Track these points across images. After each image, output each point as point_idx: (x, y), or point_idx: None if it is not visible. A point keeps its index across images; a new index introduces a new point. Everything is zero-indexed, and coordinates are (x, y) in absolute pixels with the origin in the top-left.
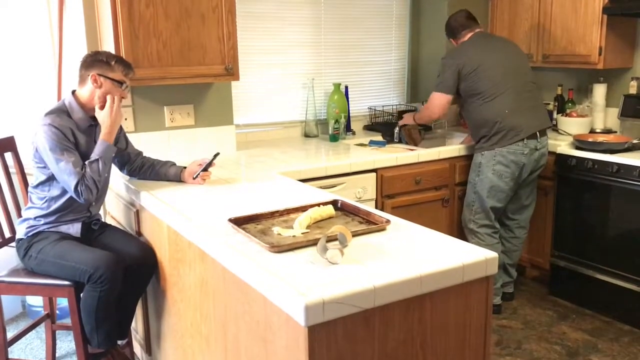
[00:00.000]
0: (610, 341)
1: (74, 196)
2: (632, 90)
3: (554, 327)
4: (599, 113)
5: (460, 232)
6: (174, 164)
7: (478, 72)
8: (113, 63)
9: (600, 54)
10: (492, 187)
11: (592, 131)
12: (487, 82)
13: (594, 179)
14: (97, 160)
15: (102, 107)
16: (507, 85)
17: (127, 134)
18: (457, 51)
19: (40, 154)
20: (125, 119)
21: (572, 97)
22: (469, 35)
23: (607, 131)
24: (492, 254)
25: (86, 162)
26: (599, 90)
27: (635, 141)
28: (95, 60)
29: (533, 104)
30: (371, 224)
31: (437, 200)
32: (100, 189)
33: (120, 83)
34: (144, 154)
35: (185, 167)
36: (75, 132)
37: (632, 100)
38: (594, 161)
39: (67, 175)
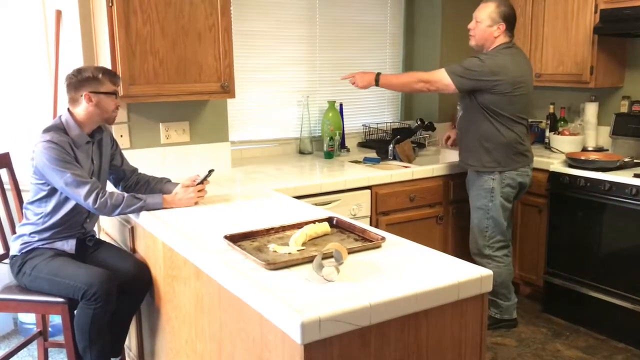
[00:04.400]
0: (604, 359)
1: (86, 206)
2: (623, 109)
3: (548, 344)
4: (590, 131)
5: (456, 249)
6: (169, 181)
7: (510, 94)
8: (100, 77)
9: (591, 73)
10: (503, 207)
11: (584, 149)
12: (517, 104)
13: (587, 197)
14: (139, 201)
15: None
16: (528, 106)
17: (123, 151)
18: (497, 63)
19: (41, 171)
20: (121, 136)
21: (564, 115)
22: (507, 40)
23: (599, 149)
24: (487, 272)
25: (130, 194)
26: (591, 109)
27: (626, 159)
28: (81, 80)
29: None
30: (367, 241)
31: (432, 218)
32: (110, 211)
33: (113, 94)
34: (139, 171)
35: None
36: (73, 148)
37: (623, 119)
38: (587, 179)
39: (74, 187)
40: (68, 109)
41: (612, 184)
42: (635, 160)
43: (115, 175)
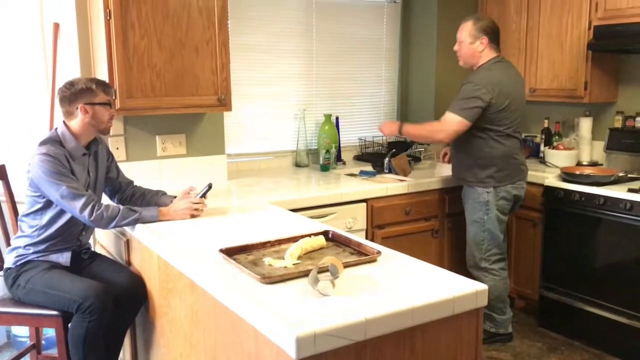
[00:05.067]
0: None
1: (81, 219)
2: (617, 124)
3: (543, 359)
4: (585, 146)
5: (452, 263)
6: (165, 194)
7: (505, 109)
8: (94, 88)
9: (585, 89)
10: (498, 220)
11: (579, 164)
12: (511, 118)
13: (582, 211)
14: (135, 214)
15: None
16: (520, 120)
17: (119, 163)
18: (490, 77)
19: (37, 183)
20: (118, 148)
21: (559, 130)
22: (495, 54)
23: (594, 164)
24: (482, 286)
25: (125, 206)
26: (585, 124)
27: (621, 174)
28: (75, 92)
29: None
30: (362, 255)
31: (427, 231)
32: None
33: (107, 104)
34: (135, 183)
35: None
36: (69, 160)
37: (618, 134)
38: (581, 193)
39: (70, 199)
40: (63, 121)
41: (607, 198)
42: (629, 175)
43: (111, 187)
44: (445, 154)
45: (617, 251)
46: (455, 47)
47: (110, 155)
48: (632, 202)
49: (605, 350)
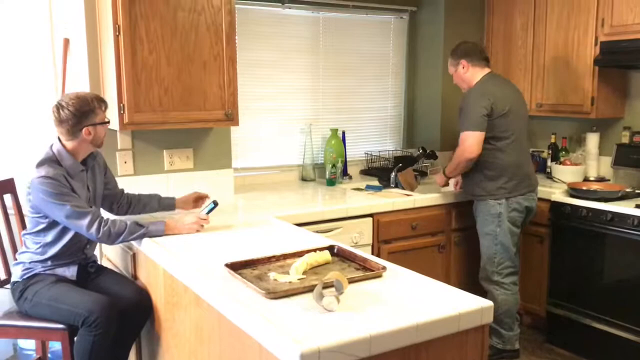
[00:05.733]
0: None
1: (88, 236)
2: (625, 140)
3: None
4: (592, 161)
5: (458, 278)
6: (160, 197)
7: (509, 114)
8: (95, 107)
9: (592, 104)
10: (511, 232)
11: (586, 179)
12: (513, 126)
13: (589, 227)
14: (142, 228)
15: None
16: (523, 131)
17: (127, 177)
18: (484, 89)
19: (39, 206)
20: (125, 162)
21: (566, 145)
22: (486, 70)
23: (601, 179)
24: (488, 303)
25: (132, 221)
26: (592, 139)
27: (628, 190)
28: (79, 116)
29: (529, 152)
30: (367, 271)
31: (434, 246)
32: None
33: (107, 122)
34: (125, 191)
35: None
36: (68, 179)
37: (625, 150)
38: (588, 209)
39: (75, 218)
40: (58, 138)
41: (614, 214)
42: (637, 191)
43: (110, 198)
44: (457, 182)
45: (624, 267)
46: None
47: (105, 166)
48: None
49: None
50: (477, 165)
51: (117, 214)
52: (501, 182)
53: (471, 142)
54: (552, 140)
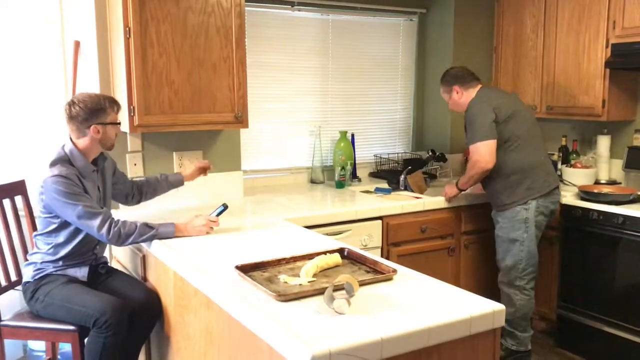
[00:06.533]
0: None
1: (99, 237)
2: (636, 143)
3: None
4: (603, 164)
5: (468, 281)
6: (167, 176)
7: (515, 116)
8: (107, 107)
9: (603, 107)
10: (536, 237)
11: (597, 182)
12: (523, 126)
13: (600, 230)
14: (152, 230)
15: None
16: (537, 132)
17: (137, 179)
18: (485, 97)
19: (52, 206)
20: (135, 164)
21: (577, 148)
22: (478, 87)
23: (612, 182)
24: (500, 306)
25: (142, 222)
26: (603, 142)
27: (639, 193)
28: (89, 112)
29: (546, 151)
30: (378, 273)
31: (443, 249)
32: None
33: (118, 124)
34: (130, 178)
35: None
36: (80, 179)
37: (637, 152)
38: (600, 212)
39: (87, 219)
40: (70, 138)
41: (626, 217)
42: None
43: (123, 192)
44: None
45: (636, 271)
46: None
47: (114, 165)
48: None
49: None
50: (498, 173)
51: (132, 204)
52: (527, 183)
53: (484, 151)
54: (563, 143)
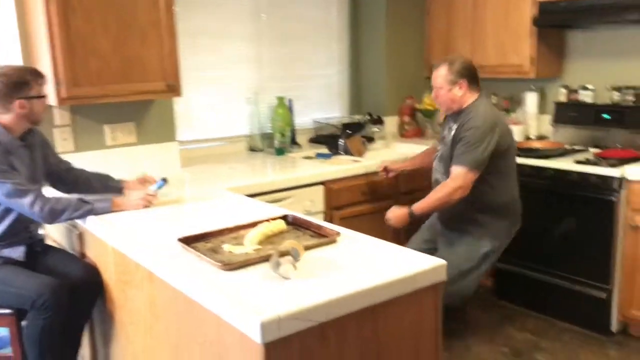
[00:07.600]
0: (552, 340)
1: (31, 215)
2: (562, 98)
3: (499, 328)
4: (532, 121)
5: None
6: (111, 178)
7: (509, 150)
8: (30, 80)
9: (532, 65)
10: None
11: (527, 138)
12: (511, 160)
13: (532, 184)
14: (87, 205)
15: None
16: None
17: (67, 154)
18: (495, 116)
19: None
20: (65, 139)
21: (508, 105)
22: (475, 95)
23: (541, 138)
24: (441, 262)
25: (77, 198)
26: (532, 99)
27: (567, 147)
28: (10, 87)
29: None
30: (322, 237)
31: (384, 211)
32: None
33: (44, 96)
34: (73, 165)
35: (124, 181)
36: (7, 156)
37: (563, 108)
38: (531, 167)
39: (17, 197)
40: None
41: (555, 171)
42: (575, 147)
43: (53, 176)
44: (385, 168)
45: (565, 222)
46: (433, 95)
47: (45, 142)
48: (580, 174)
49: (556, 317)
50: (477, 202)
51: (61, 190)
52: (508, 221)
53: (467, 182)
54: (494, 101)
